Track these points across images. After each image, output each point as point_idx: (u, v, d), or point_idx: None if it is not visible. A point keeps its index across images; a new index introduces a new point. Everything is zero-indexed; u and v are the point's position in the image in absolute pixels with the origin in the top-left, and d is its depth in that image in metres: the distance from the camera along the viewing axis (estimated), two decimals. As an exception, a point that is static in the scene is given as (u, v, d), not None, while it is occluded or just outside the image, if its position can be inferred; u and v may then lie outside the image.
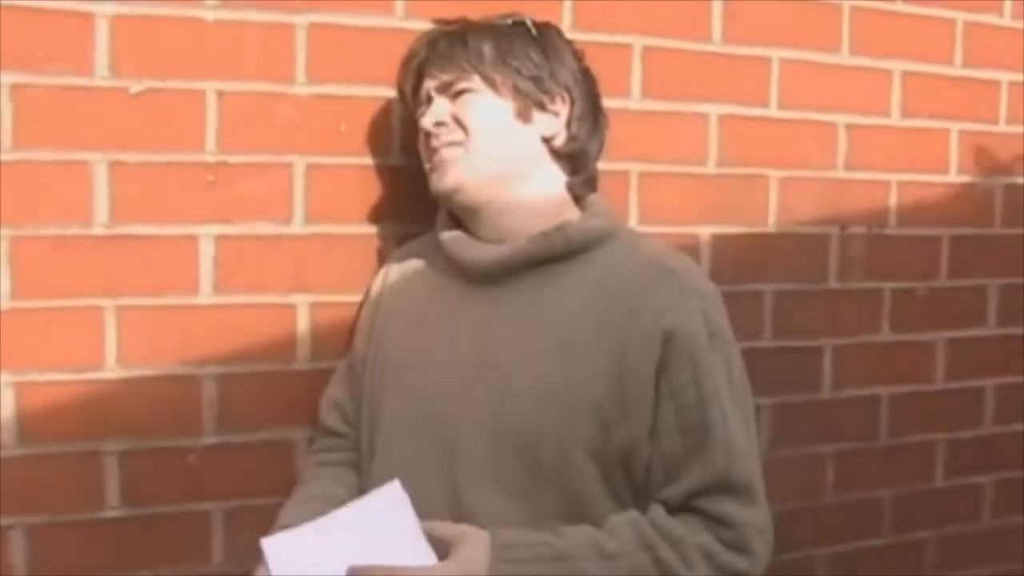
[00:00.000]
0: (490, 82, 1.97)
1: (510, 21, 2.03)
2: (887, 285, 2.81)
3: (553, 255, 1.95)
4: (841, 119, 2.69)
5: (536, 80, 1.99)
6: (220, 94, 2.08)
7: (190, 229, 2.08)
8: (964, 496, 3.02)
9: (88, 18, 1.97)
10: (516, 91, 1.98)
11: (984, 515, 3.07)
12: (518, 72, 1.98)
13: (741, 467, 1.86)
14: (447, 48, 1.99)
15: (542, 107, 1.99)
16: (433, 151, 1.99)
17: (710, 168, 2.54)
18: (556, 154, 2.01)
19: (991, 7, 2.88)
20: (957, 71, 2.84)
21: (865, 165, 2.73)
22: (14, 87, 1.94)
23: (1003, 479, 3.08)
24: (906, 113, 2.77)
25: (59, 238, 2.00)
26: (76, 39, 1.97)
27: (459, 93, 1.98)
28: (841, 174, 2.70)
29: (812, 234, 2.69)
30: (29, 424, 2.01)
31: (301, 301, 2.18)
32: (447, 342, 1.99)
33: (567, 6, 2.35)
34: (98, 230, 2.02)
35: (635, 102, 2.44)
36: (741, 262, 2.59)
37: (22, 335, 1.98)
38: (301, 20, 2.13)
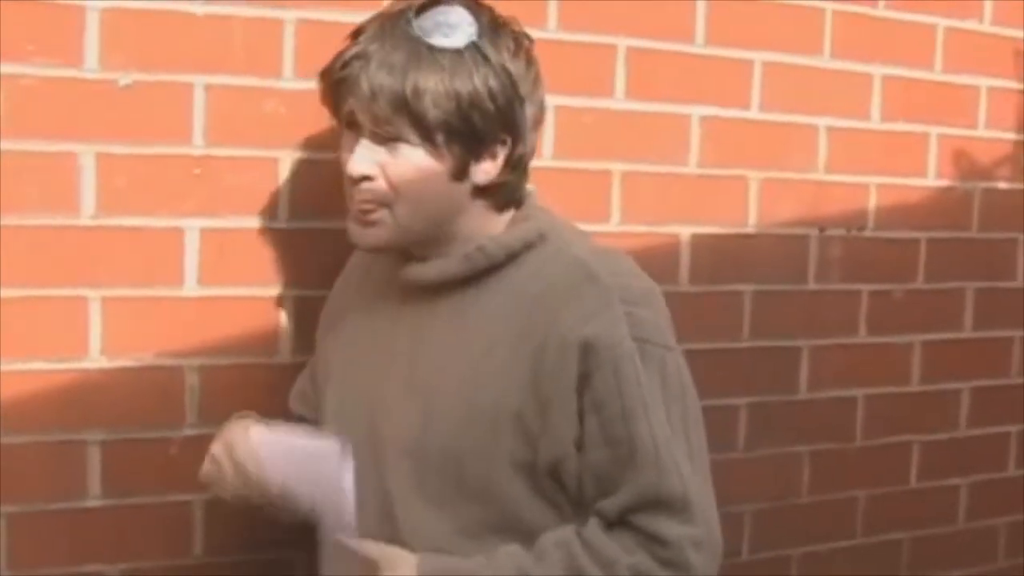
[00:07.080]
0: (430, 140, 1.79)
1: (464, 41, 1.79)
2: (865, 287, 2.83)
3: (475, 274, 1.88)
4: (822, 122, 2.71)
5: (483, 133, 1.80)
6: (208, 87, 2.08)
7: (176, 221, 2.09)
8: (939, 497, 3.05)
9: (79, 10, 1.97)
10: (457, 150, 1.80)
11: (959, 517, 3.10)
12: (469, 124, 1.78)
13: (673, 481, 1.78)
14: (390, 88, 1.75)
15: (479, 158, 1.83)
16: (353, 200, 1.85)
17: (692, 169, 2.56)
18: (483, 191, 1.86)
19: (971, 13, 2.90)
20: (937, 76, 2.87)
21: (845, 168, 2.75)
22: (4, 78, 1.94)
23: (977, 481, 3.11)
24: (886, 117, 2.80)
25: (46, 228, 2.00)
26: (66, 31, 1.98)
27: (392, 139, 1.80)
28: (821, 176, 2.72)
29: (791, 235, 2.71)
30: (11, 412, 2.01)
31: (284, 295, 2.19)
32: (380, 359, 1.95)
33: (551, 6, 2.36)
34: (85, 221, 2.02)
35: (618, 102, 2.46)
36: (721, 262, 2.61)
37: (7, 323, 1.98)
38: (288, 15, 2.13)
